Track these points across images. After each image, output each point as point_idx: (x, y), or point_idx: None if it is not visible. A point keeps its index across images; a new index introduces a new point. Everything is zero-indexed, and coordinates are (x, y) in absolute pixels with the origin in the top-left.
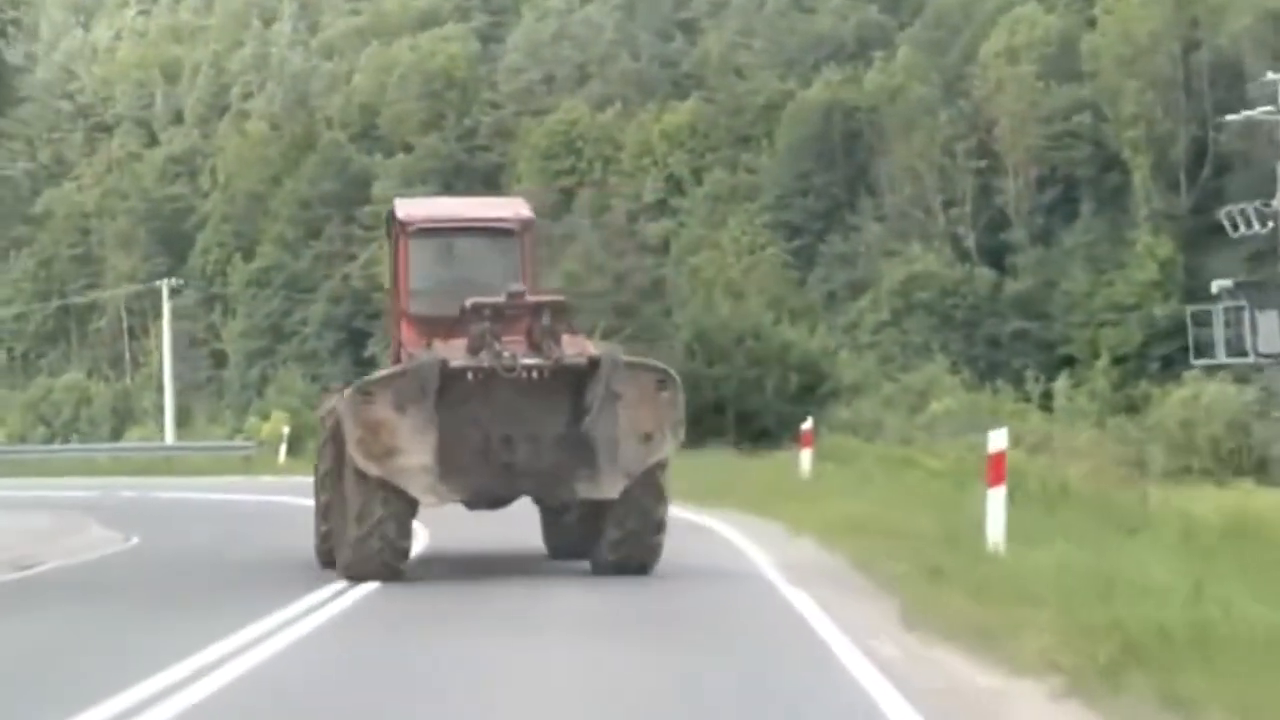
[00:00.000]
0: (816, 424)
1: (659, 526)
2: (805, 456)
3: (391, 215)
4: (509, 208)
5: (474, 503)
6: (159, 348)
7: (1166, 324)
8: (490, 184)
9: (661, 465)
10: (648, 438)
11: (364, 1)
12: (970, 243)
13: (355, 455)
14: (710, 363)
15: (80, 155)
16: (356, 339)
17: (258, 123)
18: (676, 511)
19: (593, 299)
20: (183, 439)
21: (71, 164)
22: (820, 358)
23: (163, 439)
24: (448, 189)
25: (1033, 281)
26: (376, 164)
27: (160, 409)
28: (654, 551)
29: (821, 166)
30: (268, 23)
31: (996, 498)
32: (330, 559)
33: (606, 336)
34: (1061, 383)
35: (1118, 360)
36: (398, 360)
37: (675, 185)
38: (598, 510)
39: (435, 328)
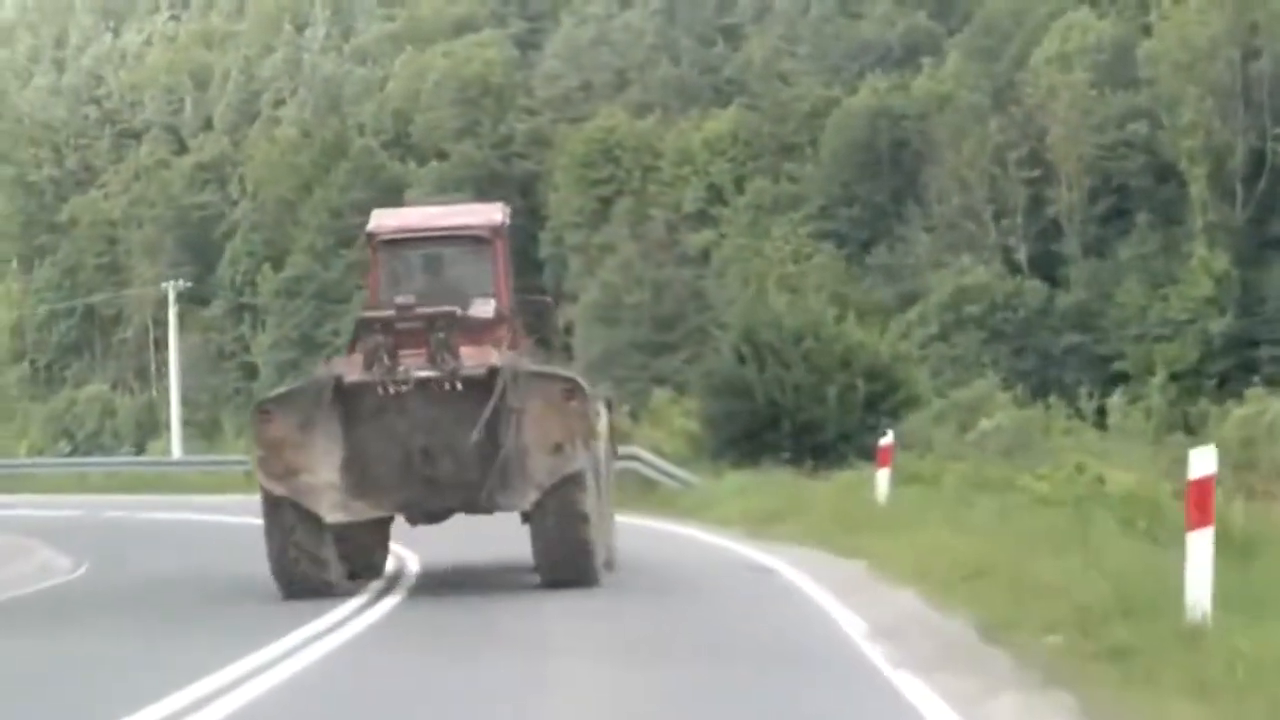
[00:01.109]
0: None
1: (584, 548)
2: (883, 477)
3: (365, 225)
4: (481, 214)
5: (411, 519)
6: (186, 356)
7: (1222, 341)
8: (526, 192)
9: (575, 479)
10: (557, 449)
11: (398, 7)
12: (1021, 254)
13: (259, 475)
14: (762, 367)
15: (107, 162)
16: None
17: (288, 129)
18: (729, 544)
19: (631, 310)
20: (210, 453)
21: (98, 171)
22: (892, 362)
23: (171, 453)
24: (483, 197)
25: (1086, 294)
26: (409, 172)
27: (185, 421)
28: (584, 574)
29: (868, 175)
30: (300, 28)
31: (1200, 545)
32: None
33: (645, 349)
34: (1116, 399)
35: (1174, 376)
36: None
37: (716, 195)
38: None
39: (403, 340)
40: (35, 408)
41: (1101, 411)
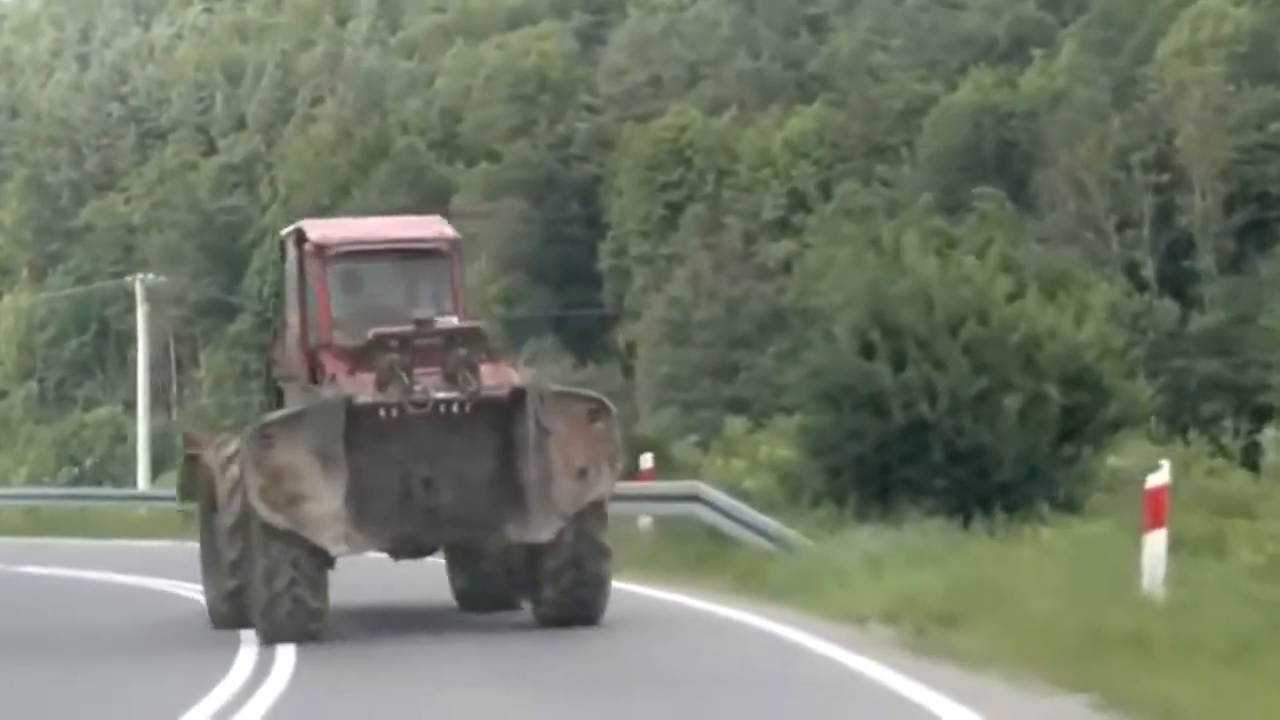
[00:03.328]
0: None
1: (600, 581)
2: (1156, 546)
3: (297, 238)
4: (431, 227)
5: (397, 552)
6: (211, 375)
7: None
8: (586, 198)
9: (599, 504)
10: (582, 473)
11: None
12: (1149, 270)
13: (258, 506)
14: (900, 363)
15: (130, 164)
16: None
17: (325, 128)
18: (875, 675)
19: (702, 329)
20: None
21: (119, 173)
22: (1100, 360)
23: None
24: (537, 203)
25: (1224, 316)
26: (456, 174)
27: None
28: (596, 608)
29: (971, 179)
30: (342, 20)
31: None
32: (234, 619)
33: (718, 372)
34: (1270, 434)
35: None
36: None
37: (799, 200)
38: (528, 557)
39: (362, 359)
40: (41, 430)
41: (1252, 449)
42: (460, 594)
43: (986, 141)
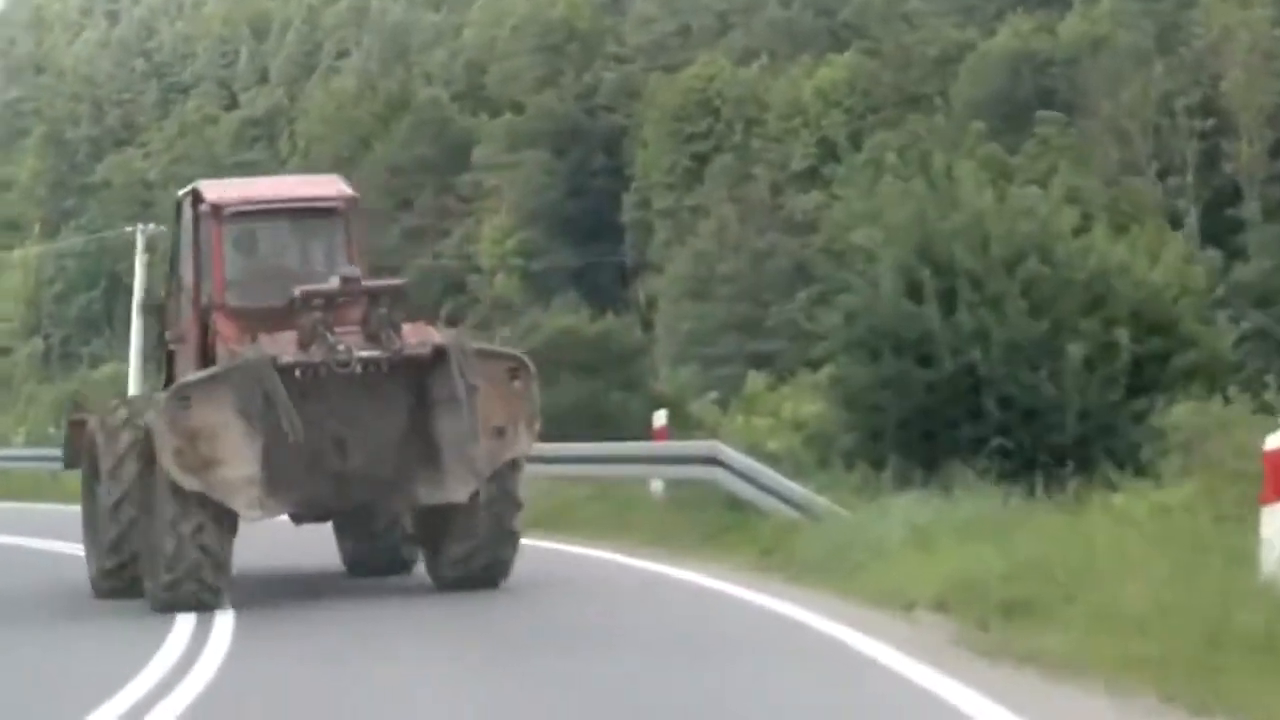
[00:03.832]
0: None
1: (512, 539)
2: (1274, 522)
3: (194, 198)
4: (329, 185)
5: (302, 516)
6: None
7: None
8: (610, 149)
9: (515, 464)
10: (499, 433)
11: None
12: (1192, 218)
13: (170, 469)
14: (950, 306)
15: (151, 119)
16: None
17: (349, 80)
18: (937, 688)
19: (725, 283)
20: None
21: (140, 128)
22: (1177, 303)
23: None
24: (560, 155)
25: (1270, 265)
26: (480, 125)
27: None
28: (504, 567)
29: (1009, 128)
30: None
31: None
32: (115, 589)
33: (741, 328)
34: None
35: None
36: (206, 363)
37: (829, 151)
38: (429, 517)
39: (257, 321)
40: (44, 390)
41: None
42: (349, 557)
43: (1023, 90)
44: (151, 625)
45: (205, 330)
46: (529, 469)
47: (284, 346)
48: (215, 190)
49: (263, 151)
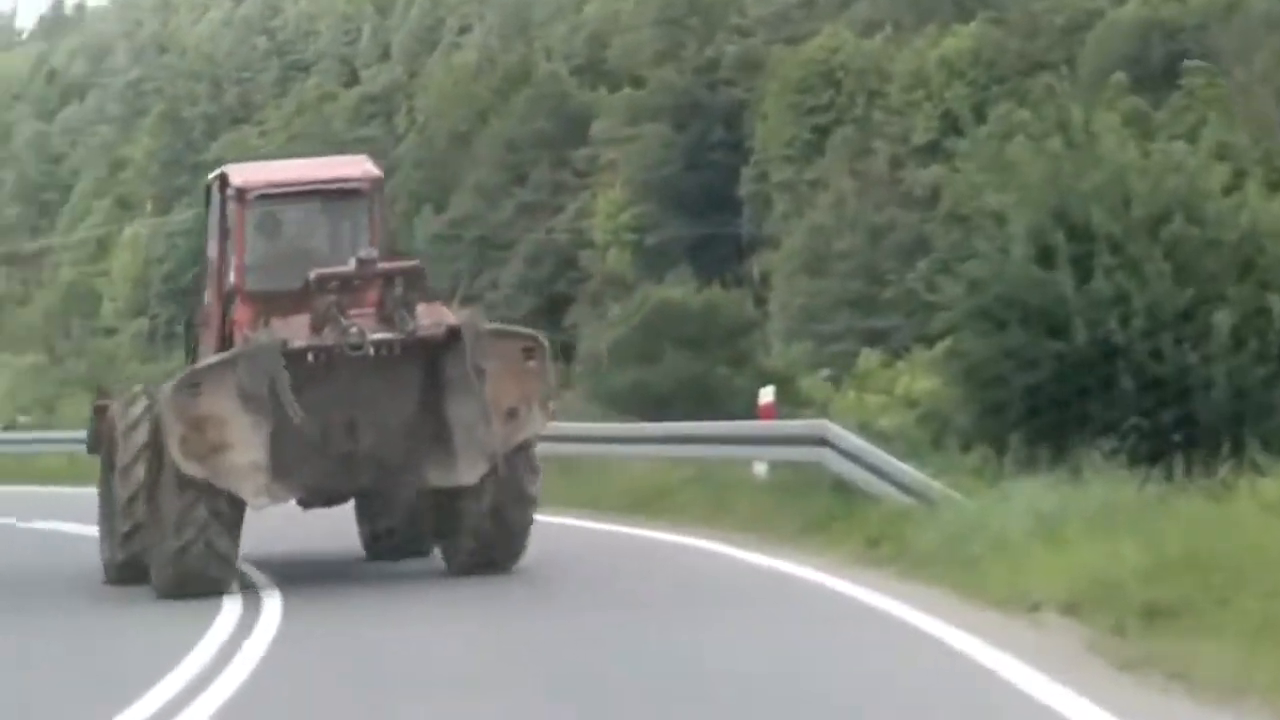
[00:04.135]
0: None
1: (524, 509)
2: None
3: (221, 182)
4: (354, 166)
5: (309, 501)
6: None
7: None
8: (731, 123)
9: (527, 446)
10: (512, 414)
11: None
12: None
13: (177, 456)
14: (1085, 274)
15: (269, 97)
16: (555, 305)
17: (469, 55)
18: None
19: (841, 259)
20: None
21: (257, 107)
22: None
23: None
24: (679, 129)
25: None
26: (599, 100)
27: None
28: (518, 541)
29: (1142, 93)
30: None
31: None
32: (126, 579)
33: (856, 304)
34: None
35: None
36: (225, 348)
37: (952, 123)
38: (443, 502)
39: (275, 305)
40: (147, 370)
41: None
42: (369, 542)
43: (1154, 56)
44: (201, 607)
45: (225, 315)
46: (626, 449)
47: (297, 330)
48: (241, 173)
49: (379, 128)
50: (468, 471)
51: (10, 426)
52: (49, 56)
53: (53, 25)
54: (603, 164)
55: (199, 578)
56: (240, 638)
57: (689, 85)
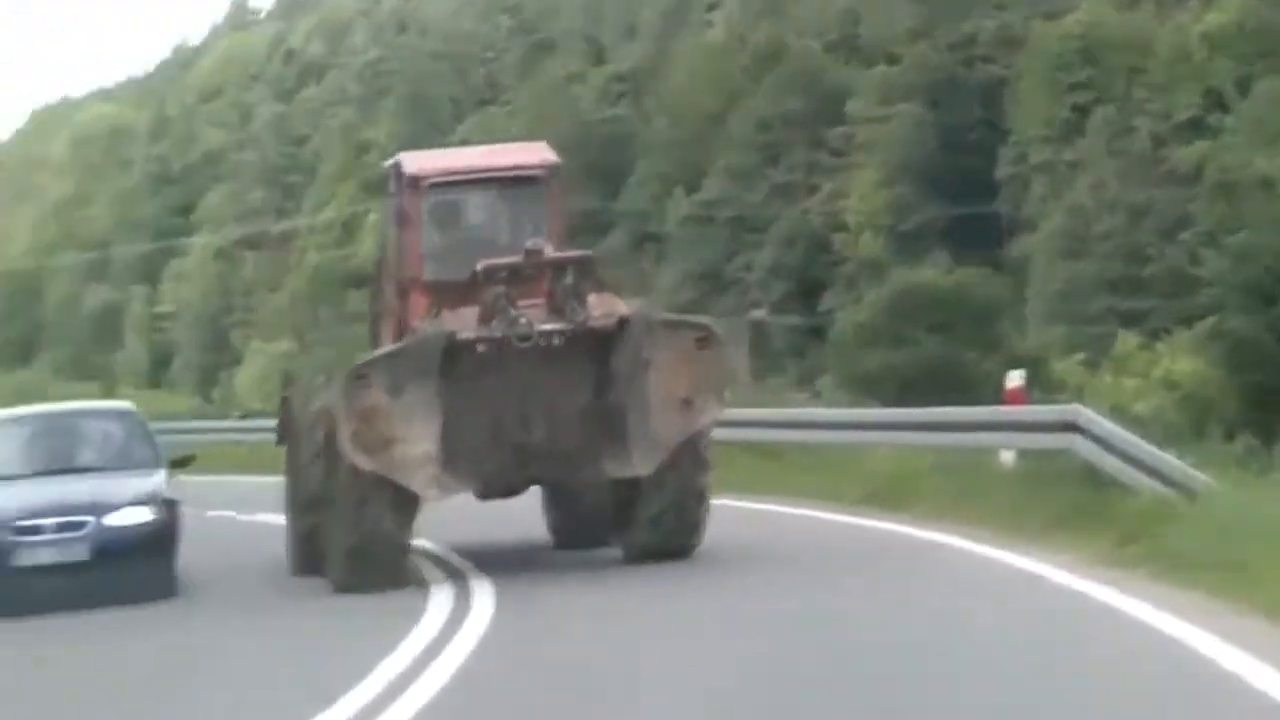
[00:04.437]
0: None
1: (700, 498)
2: None
3: (396, 171)
4: (532, 153)
5: (485, 493)
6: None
7: None
8: (988, 102)
9: (701, 436)
10: (687, 404)
11: None
12: None
13: (348, 449)
14: None
15: (514, 77)
16: (809, 289)
17: (717, 33)
18: None
19: (1101, 240)
20: None
21: (504, 87)
22: None
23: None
24: (934, 107)
25: None
26: (853, 77)
27: None
28: (695, 529)
29: None
30: None
31: None
32: (310, 569)
33: (1114, 286)
34: None
35: None
36: (402, 337)
37: (1216, 99)
38: (623, 490)
39: (450, 295)
40: None
41: None
42: (556, 531)
43: None
44: (410, 597)
45: (404, 305)
46: (864, 437)
47: (466, 321)
48: (416, 161)
49: (628, 108)
50: (642, 462)
51: (247, 415)
52: (286, 36)
53: (289, 4)
54: (857, 144)
55: (372, 575)
56: (453, 629)
57: (944, 62)
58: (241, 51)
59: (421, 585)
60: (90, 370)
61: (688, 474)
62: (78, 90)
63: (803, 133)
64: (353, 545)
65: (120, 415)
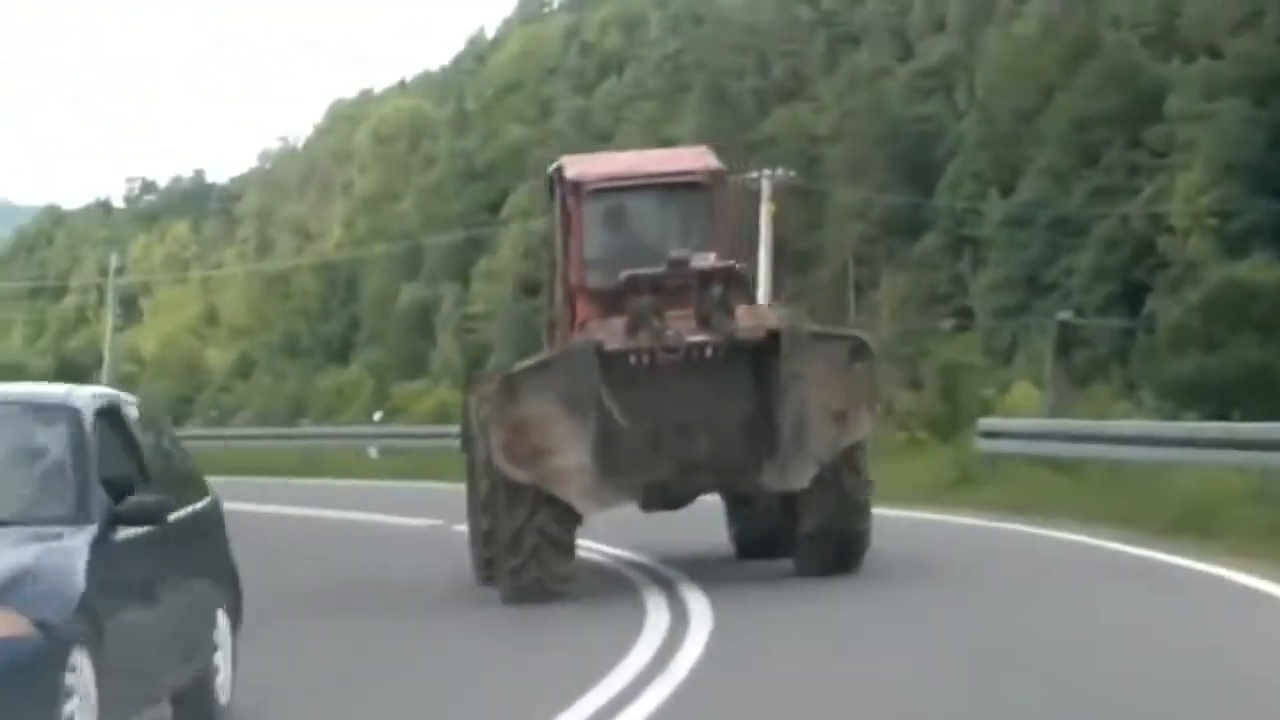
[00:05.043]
0: None
1: (861, 511)
2: None
3: (558, 176)
4: (695, 158)
5: (649, 504)
6: (891, 298)
7: None
8: None
9: (857, 450)
10: (840, 417)
11: None
12: None
13: (500, 461)
14: None
15: (818, 71)
16: (1133, 293)
17: (1029, 25)
18: None
19: None
20: None
21: (807, 81)
22: None
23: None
24: (1261, 103)
25: None
26: (1172, 73)
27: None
28: (859, 540)
29: None
30: None
31: None
32: (492, 579)
33: None
34: None
35: None
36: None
37: None
38: (785, 506)
39: (613, 303)
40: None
41: None
42: (738, 541)
43: None
44: (629, 612)
45: (571, 313)
46: (1166, 455)
47: (614, 332)
48: (577, 166)
49: (938, 104)
50: (796, 476)
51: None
52: (579, 28)
53: None
54: (1179, 143)
55: (539, 578)
56: (677, 638)
57: (1272, 55)
58: (536, 44)
59: (633, 592)
60: (406, 370)
61: (846, 488)
62: (374, 84)
63: (1121, 131)
64: (515, 571)
65: (55, 416)
